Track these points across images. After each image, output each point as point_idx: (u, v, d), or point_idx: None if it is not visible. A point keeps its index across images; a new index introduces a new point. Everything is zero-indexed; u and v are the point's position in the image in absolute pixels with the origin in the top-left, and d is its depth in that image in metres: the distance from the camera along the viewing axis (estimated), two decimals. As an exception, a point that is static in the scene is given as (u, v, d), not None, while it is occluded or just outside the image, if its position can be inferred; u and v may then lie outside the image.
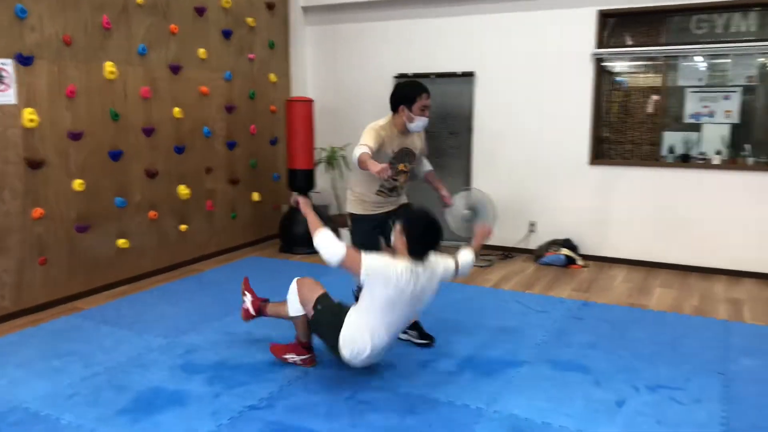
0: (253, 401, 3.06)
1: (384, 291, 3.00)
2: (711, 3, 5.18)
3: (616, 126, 5.80)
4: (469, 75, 6.18)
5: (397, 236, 3.12)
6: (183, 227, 5.58)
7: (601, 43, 5.61)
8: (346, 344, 3.08)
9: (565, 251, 5.60)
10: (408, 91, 3.63)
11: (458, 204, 5.82)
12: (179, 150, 5.48)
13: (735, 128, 5.34)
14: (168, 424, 2.85)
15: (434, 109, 6.47)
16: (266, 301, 3.67)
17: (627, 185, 5.64)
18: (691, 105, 5.45)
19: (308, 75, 7.00)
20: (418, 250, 3.06)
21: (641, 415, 2.91)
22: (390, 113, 3.71)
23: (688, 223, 5.46)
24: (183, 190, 5.52)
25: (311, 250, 6.08)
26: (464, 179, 6.39)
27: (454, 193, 6.22)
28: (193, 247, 5.75)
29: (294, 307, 3.33)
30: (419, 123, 3.63)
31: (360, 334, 3.07)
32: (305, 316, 3.30)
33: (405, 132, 3.70)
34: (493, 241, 6.06)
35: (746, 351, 3.66)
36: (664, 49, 5.40)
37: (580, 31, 5.64)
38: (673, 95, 5.55)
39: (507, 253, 6.08)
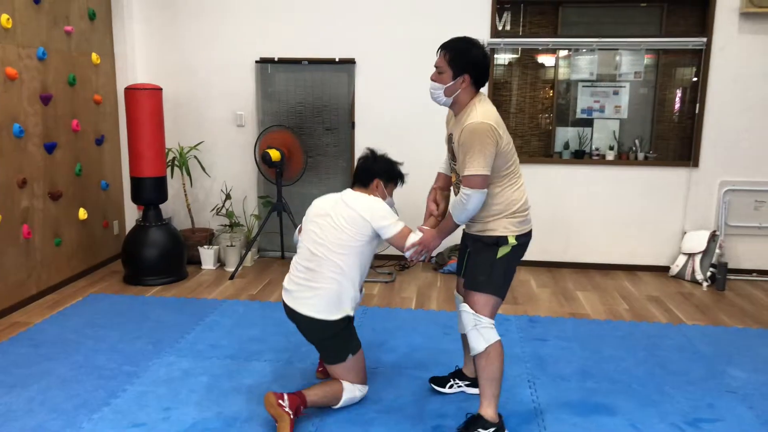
0: None
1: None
2: (603, -4, 5.11)
3: (506, 121, 5.50)
4: (349, 62, 5.38)
5: (380, 189, 2.99)
6: (-7, 266, 3.96)
7: (495, 33, 5.24)
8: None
9: (471, 258, 5.15)
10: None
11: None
12: (-17, 157, 3.86)
13: (623, 123, 5.37)
14: None
15: (308, 101, 5.58)
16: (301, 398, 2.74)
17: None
18: (583, 99, 5.35)
19: (137, 56, 5.56)
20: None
21: (716, 465, 2.53)
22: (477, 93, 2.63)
23: (584, 219, 5.38)
24: (-8, 214, 3.91)
25: (168, 279, 4.83)
26: (344, 182, 5.60)
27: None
28: (6, 291, 4.14)
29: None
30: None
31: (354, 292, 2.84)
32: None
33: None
34: (388, 251, 5.40)
35: (726, 360, 3.52)
36: (558, 41, 5.20)
37: (474, 18, 5.19)
38: (564, 89, 5.41)
39: (405, 263, 5.46)
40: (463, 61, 2.53)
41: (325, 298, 2.73)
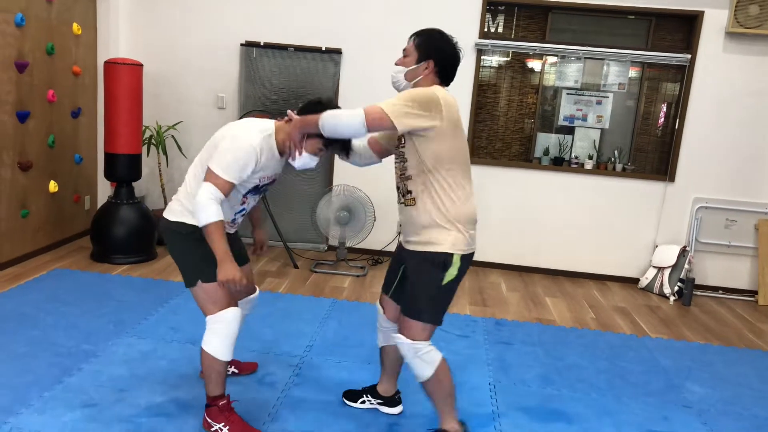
0: None
1: None
2: (593, 5, 5.10)
3: (489, 123, 5.50)
4: (335, 52, 5.33)
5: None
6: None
7: (484, 34, 5.23)
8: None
9: (444, 257, 5.15)
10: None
11: (333, 203, 5.03)
12: (-49, 122, 3.76)
13: (604, 134, 5.40)
14: None
15: (291, 88, 5.52)
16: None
17: (498, 187, 5.39)
18: (566, 107, 5.37)
19: (120, 30, 5.46)
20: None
21: (666, 478, 2.55)
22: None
23: (558, 226, 5.40)
24: (-44, 181, 3.82)
25: (136, 259, 4.76)
26: (324, 174, 5.57)
27: (316, 190, 5.42)
28: (-31, 261, 4.06)
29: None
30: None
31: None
32: None
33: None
34: (361, 245, 5.38)
35: (685, 375, 3.56)
36: (544, 47, 5.20)
37: (464, 17, 5.18)
38: (549, 95, 5.42)
39: (377, 257, 5.44)
40: (430, 46, 2.38)
41: (177, 200, 2.53)
